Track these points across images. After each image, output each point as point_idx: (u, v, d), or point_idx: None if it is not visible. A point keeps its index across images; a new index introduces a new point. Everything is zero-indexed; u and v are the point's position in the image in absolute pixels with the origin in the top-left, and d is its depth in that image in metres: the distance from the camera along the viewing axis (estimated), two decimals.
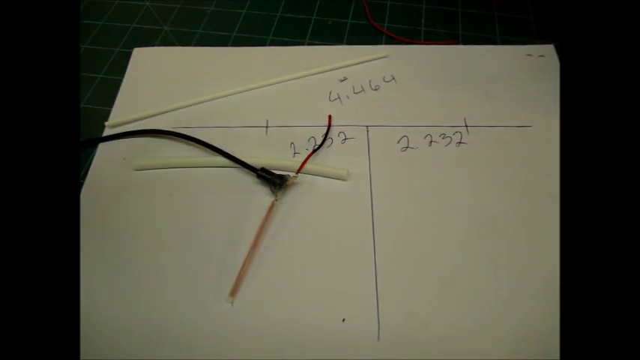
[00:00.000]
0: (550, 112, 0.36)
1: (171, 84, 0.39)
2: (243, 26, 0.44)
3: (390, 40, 0.42)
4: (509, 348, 0.26)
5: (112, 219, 0.31)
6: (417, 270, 0.29)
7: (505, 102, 0.37)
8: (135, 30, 0.44)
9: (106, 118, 0.37)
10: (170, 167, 0.34)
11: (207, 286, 0.28)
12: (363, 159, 0.34)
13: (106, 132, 0.36)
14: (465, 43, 0.42)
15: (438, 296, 0.28)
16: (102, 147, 0.35)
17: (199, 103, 0.37)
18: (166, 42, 0.43)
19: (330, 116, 0.36)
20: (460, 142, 0.35)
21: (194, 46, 0.42)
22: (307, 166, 0.33)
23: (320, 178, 0.33)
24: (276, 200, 0.31)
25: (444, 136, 0.35)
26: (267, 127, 0.36)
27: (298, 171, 0.33)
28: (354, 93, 0.38)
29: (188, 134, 0.35)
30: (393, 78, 0.39)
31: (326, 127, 0.36)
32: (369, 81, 0.39)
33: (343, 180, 0.33)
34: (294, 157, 0.34)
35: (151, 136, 0.36)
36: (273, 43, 0.42)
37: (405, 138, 0.35)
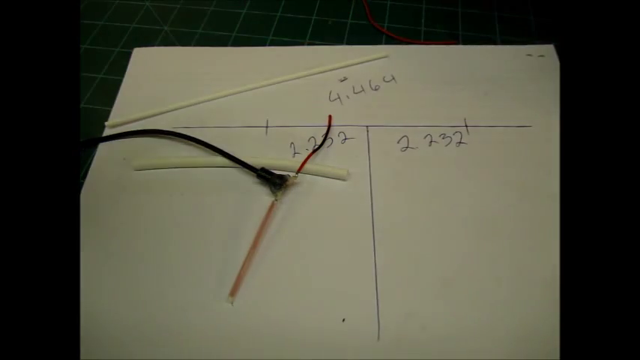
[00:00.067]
0: (550, 112, 0.36)
1: (171, 84, 0.39)
2: (243, 26, 0.44)
3: (390, 40, 0.42)
4: (509, 348, 0.26)
5: (112, 219, 0.31)
6: (417, 270, 0.29)
7: (505, 102, 0.37)
8: (135, 30, 0.44)
9: (106, 118, 0.37)
10: (170, 167, 0.34)
11: (207, 286, 0.28)
12: (363, 159, 0.34)
13: (106, 132, 0.36)
14: (465, 43, 0.42)
15: (438, 296, 0.28)
16: (102, 147, 0.35)
17: (199, 103, 0.37)
18: (166, 42, 0.43)
19: (330, 116, 0.36)
20: (460, 142, 0.35)
21: (194, 46, 0.42)
22: (307, 166, 0.33)
23: (320, 178, 0.33)
24: (276, 200, 0.31)
25: (444, 136, 0.35)
26: (267, 127, 0.36)
27: (298, 171, 0.33)
28: (354, 93, 0.38)
29: (188, 134, 0.35)
30: (393, 78, 0.39)
31: (326, 127, 0.36)
32: (369, 81, 0.39)
33: (343, 180, 0.33)
34: (294, 157, 0.34)
35: (151, 136, 0.36)
36: (273, 43, 0.42)
37: (405, 138, 0.35)
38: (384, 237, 0.30)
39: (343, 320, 0.27)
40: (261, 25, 0.44)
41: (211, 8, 0.46)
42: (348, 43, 0.42)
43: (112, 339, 0.27)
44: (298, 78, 0.39)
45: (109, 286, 0.29)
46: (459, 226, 0.31)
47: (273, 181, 0.32)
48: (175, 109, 0.37)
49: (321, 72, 0.39)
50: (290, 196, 0.32)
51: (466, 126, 0.36)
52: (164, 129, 0.35)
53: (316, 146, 0.34)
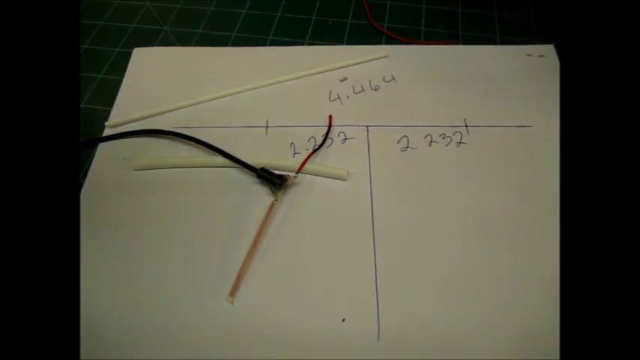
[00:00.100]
0: (550, 112, 0.36)
1: (171, 84, 0.39)
2: (243, 26, 0.44)
3: (390, 40, 0.42)
4: (509, 348, 0.26)
5: (111, 219, 0.31)
6: (417, 270, 0.29)
7: (505, 102, 0.37)
8: (135, 30, 0.44)
9: (106, 118, 0.37)
10: (170, 167, 0.34)
11: (207, 285, 0.28)
12: (363, 159, 0.34)
13: (106, 132, 0.36)
14: (465, 43, 0.42)
15: (438, 296, 0.28)
16: (102, 147, 0.35)
17: (199, 103, 0.37)
18: (166, 42, 0.43)
19: (330, 116, 0.36)
20: (460, 142, 0.35)
21: (194, 46, 0.42)
22: (307, 166, 0.33)
23: (320, 178, 0.33)
24: (276, 200, 0.31)
25: (444, 136, 0.35)
26: (267, 127, 0.36)
27: (298, 171, 0.33)
28: (354, 93, 0.38)
29: (188, 134, 0.35)
30: (393, 78, 0.39)
31: (326, 127, 0.36)
32: (369, 81, 0.39)
33: (343, 180, 0.33)
34: (294, 157, 0.34)
35: (151, 136, 0.36)
36: (273, 43, 0.42)
37: (405, 138, 0.35)
38: (384, 237, 0.30)
39: (343, 320, 0.27)
40: (261, 25, 0.44)
41: (211, 8, 0.46)
42: (348, 43, 0.42)
43: (112, 339, 0.27)
44: (298, 78, 0.39)
45: (109, 286, 0.29)
46: (458, 226, 0.31)
47: (273, 181, 0.32)
48: (175, 109, 0.37)
49: (321, 72, 0.39)
50: (290, 196, 0.32)
51: (466, 126, 0.36)
52: (164, 129, 0.35)
53: (316, 146, 0.34)
